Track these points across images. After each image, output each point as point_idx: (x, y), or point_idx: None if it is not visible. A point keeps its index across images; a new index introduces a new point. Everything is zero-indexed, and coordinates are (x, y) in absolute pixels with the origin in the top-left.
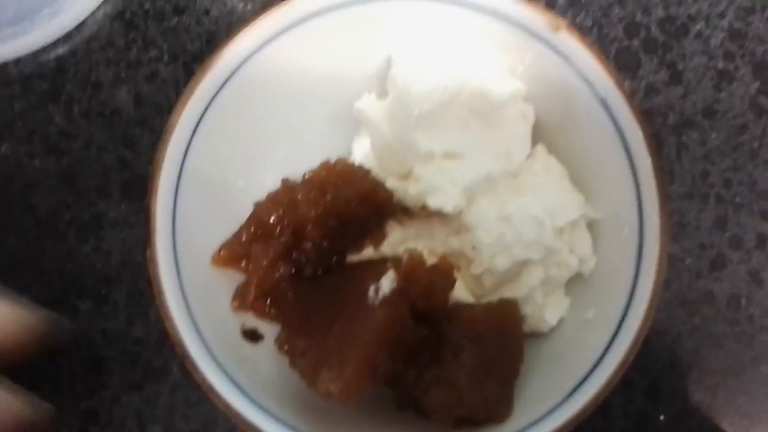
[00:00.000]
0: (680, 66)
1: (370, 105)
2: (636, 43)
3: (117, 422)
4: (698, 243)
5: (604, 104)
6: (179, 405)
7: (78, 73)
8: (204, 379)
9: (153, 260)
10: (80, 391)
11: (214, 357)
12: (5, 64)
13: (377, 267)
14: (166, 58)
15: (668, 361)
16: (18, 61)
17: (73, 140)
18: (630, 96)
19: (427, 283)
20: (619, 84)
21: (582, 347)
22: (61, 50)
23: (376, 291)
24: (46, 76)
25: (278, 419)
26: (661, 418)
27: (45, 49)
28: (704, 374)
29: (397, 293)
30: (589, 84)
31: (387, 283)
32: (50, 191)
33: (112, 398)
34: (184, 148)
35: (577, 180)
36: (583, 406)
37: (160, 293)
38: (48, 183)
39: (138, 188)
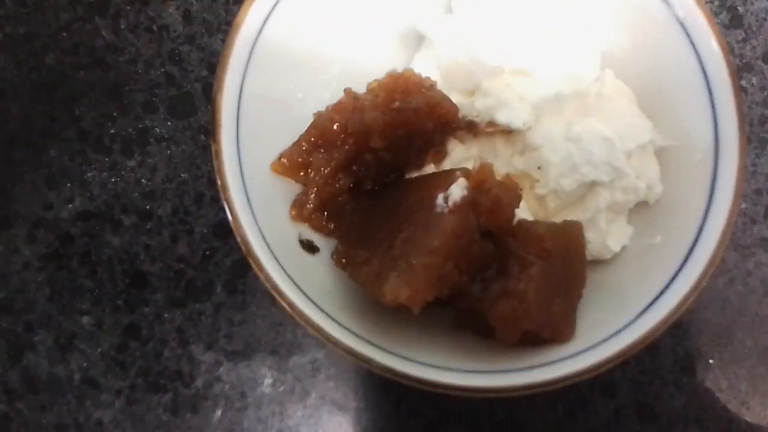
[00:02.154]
0: (741, 9)
1: (435, 19)
2: None
3: (158, 339)
4: (755, 188)
5: (682, 25)
6: (222, 325)
7: None
8: (269, 277)
9: (218, 155)
10: (121, 306)
11: (276, 258)
12: None
13: (445, 176)
14: None
15: (719, 305)
16: None
17: (119, 54)
18: (710, 17)
19: (495, 197)
20: (700, 3)
21: (646, 274)
22: None
23: (446, 199)
24: None
25: (340, 324)
26: (710, 361)
27: None
28: (755, 319)
29: (467, 201)
30: (667, 3)
31: (457, 190)
32: (95, 104)
33: (154, 314)
34: (247, 53)
35: (646, 106)
36: (650, 329)
37: (225, 188)
38: (93, 96)
39: (185, 105)
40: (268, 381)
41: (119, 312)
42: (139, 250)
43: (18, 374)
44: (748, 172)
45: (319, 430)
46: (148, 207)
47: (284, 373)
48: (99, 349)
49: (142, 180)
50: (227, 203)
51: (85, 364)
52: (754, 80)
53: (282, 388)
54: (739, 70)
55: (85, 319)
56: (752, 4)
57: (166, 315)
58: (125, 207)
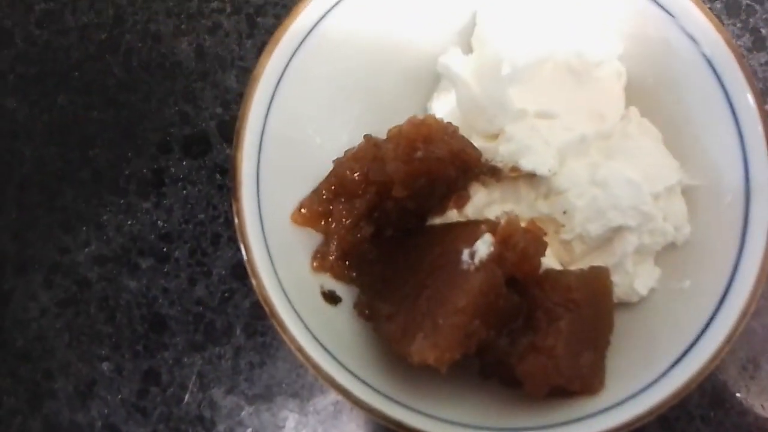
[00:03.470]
0: (764, 31)
1: (456, 60)
2: (718, 5)
3: (178, 383)
4: None
5: (710, 63)
6: (243, 368)
7: (137, 23)
8: (293, 339)
9: (240, 214)
10: (141, 351)
11: (299, 316)
12: (62, 13)
13: (470, 230)
14: (228, 9)
15: (746, 336)
16: (74, 10)
17: (132, 93)
18: (739, 55)
19: (522, 250)
20: (729, 42)
21: (677, 320)
22: None
23: (471, 255)
24: (104, 25)
25: (366, 383)
26: (738, 394)
27: None
28: None
29: (494, 258)
30: (694, 41)
31: (483, 246)
32: (109, 145)
33: (174, 359)
34: (267, 103)
35: (672, 145)
36: (686, 381)
37: (248, 249)
38: (107, 136)
39: (200, 144)
40: (290, 424)
41: (139, 357)
42: (157, 293)
43: (39, 423)
44: None
45: None
46: (164, 249)
47: (306, 416)
48: (119, 396)
49: (159, 222)
50: (250, 267)
51: (105, 411)
52: None
53: (304, 431)
54: (763, 94)
55: (105, 365)
56: None
57: (186, 359)
58: (142, 250)
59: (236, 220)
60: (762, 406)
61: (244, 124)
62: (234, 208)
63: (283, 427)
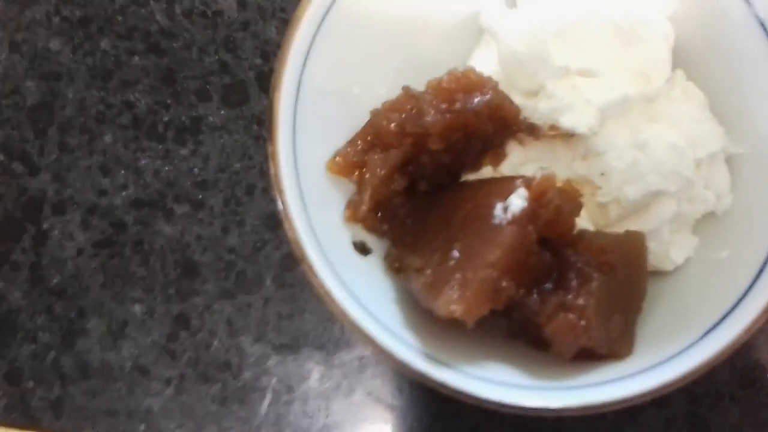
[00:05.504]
0: None
1: (499, 14)
2: None
3: (208, 329)
4: None
5: (764, 27)
6: (271, 317)
7: None
8: (322, 285)
9: (274, 157)
10: (172, 295)
11: (331, 264)
12: None
13: (504, 184)
14: None
15: None
16: None
17: (174, 40)
18: None
19: (555, 208)
20: None
21: (711, 291)
22: None
23: (504, 209)
24: None
25: (392, 332)
26: None
27: None
28: None
29: (527, 213)
30: (748, 2)
31: (517, 201)
32: (149, 90)
33: (204, 305)
34: (305, 49)
35: (717, 111)
36: (717, 351)
37: (281, 191)
38: (147, 82)
39: (238, 94)
40: (315, 376)
41: (170, 301)
42: (190, 239)
43: (71, 359)
44: None
45: (364, 427)
46: (200, 196)
47: (331, 369)
48: (150, 338)
49: (195, 169)
50: (284, 210)
51: (136, 352)
52: None
53: (329, 383)
54: None
55: (137, 307)
56: None
57: (216, 306)
58: (178, 196)
59: (270, 165)
60: None
61: (283, 69)
62: (269, 152)
63: (308, 378)
